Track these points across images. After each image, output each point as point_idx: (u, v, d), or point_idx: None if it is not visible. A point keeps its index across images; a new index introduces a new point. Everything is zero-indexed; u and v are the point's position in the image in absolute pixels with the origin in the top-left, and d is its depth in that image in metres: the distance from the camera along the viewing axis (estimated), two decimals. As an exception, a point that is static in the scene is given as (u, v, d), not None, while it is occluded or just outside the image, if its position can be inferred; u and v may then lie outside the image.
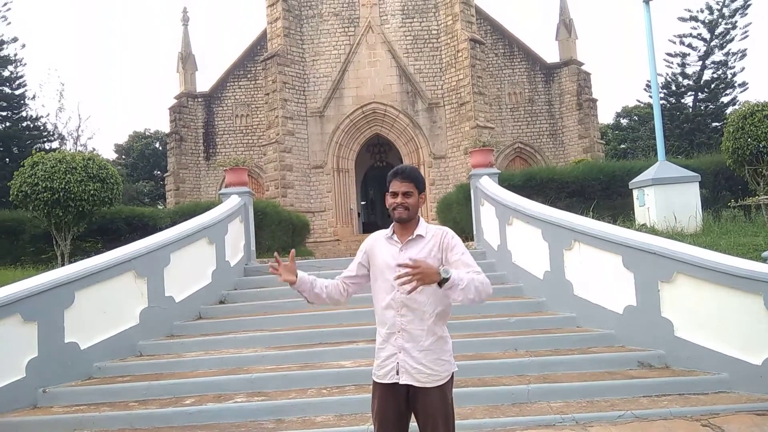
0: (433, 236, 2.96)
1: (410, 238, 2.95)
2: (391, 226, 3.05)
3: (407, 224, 2.97)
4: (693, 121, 30.00)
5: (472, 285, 2.73)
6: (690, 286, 5.59)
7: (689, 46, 30.50)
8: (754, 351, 5.04)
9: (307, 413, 5.11)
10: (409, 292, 2.71)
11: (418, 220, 3.00)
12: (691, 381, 5.29)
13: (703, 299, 5.49)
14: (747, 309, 5.10)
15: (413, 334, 2.85)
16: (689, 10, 30.32)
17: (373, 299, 3.03)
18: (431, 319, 2.88)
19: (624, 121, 42.37)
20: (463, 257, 2.89)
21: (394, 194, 2.95)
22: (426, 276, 2.63)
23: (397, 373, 2.84)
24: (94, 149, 29.39)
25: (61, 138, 27.46)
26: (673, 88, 31.26)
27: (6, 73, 26.69)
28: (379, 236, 3.07)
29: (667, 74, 31.09)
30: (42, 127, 27.50)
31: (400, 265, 2.71)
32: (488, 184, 9.66)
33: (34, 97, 28.19)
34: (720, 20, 29.72)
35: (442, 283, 2.68)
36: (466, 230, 11.59)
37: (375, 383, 2.95)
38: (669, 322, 5.74)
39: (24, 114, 27.23)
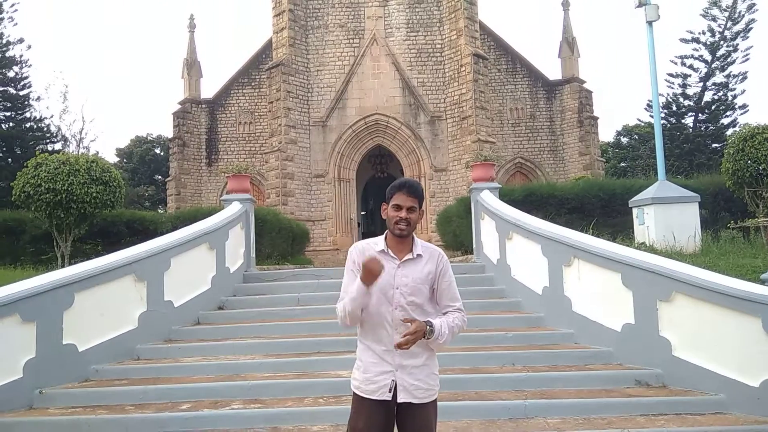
0: (430, 257, 2.93)
1: (409, 257, 2.89)
2: (382, 238, 2.94)
3: (404, 239, 2.90)
4: (693, 142, 30.17)
5: (450, 334, 2.86)
6: (688, 306, 5.60)
7: (690, 67, 30.79)
8: (752, 373, 5.05)
9: (303, 422, 5.12)
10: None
11: (413, 237, 2.94)
12: (688, 401, 5.29)
13: (701, 319, 5.51)
14: (745, 330, 5.12)
15: (411, 351, 2.82)
16: (691, 32, 30.59)
17: (362, 314, 2.93)
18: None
19: (624, 140, 42.54)
20: (451, 286, 2.96)
21: (398, 207, 2.84)
22: (419, 337, 2.75)
23: (390, 391, 2.80)
24: (97, 152, 29.50)
25: (64, 140, 27.56)
26: (674, 108, 31.47)
27: (11, 74, 26.85)
28: (369, 248, 2.93)
29: (668, 94, 31.36)
30: (45, 129, 27.63)
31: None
32: (489, 198, 9.69)
33: (38, 98, 28.38)
34: (721, 43, 29.99)
35: (427, 336, 2.79)
36: (465, 243, 11.61)
37: (360, 398, 2.86)
38: (667, 341, 5.75)
39: (28, 115, 27.37)
